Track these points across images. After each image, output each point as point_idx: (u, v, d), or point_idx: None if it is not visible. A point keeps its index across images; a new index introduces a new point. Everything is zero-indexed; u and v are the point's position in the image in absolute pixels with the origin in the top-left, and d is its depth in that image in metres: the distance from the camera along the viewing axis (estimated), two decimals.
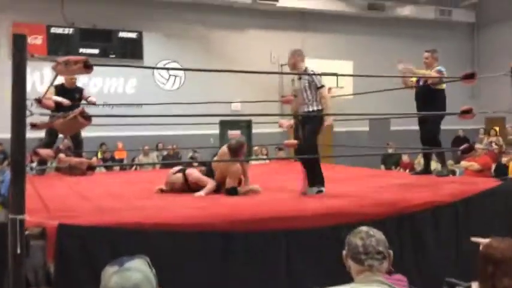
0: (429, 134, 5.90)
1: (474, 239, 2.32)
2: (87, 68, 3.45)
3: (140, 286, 1.25)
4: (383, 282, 1.93)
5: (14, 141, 3.11)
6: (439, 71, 5.78)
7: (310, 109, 5.01)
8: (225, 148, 5.53)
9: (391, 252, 2.02)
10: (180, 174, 5.38)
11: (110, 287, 1.23)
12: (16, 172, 3.11)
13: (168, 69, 12.59)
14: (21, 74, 3.14)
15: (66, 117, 3.43)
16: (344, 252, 2.06)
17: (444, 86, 5.83)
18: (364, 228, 2.06)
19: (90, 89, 11.66)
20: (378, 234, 2.02)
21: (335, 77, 12.48)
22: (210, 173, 5.38)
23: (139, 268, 1.28)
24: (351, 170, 7.31)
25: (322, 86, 5.01)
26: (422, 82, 5.95)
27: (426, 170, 6.18)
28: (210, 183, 5.24)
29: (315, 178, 5.00)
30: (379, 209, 4.22)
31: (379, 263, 1.97)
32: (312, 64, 12.11)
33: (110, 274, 1.25)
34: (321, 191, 4.91)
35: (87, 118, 3.41)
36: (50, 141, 6.53)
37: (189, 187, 5.32)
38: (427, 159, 6.30)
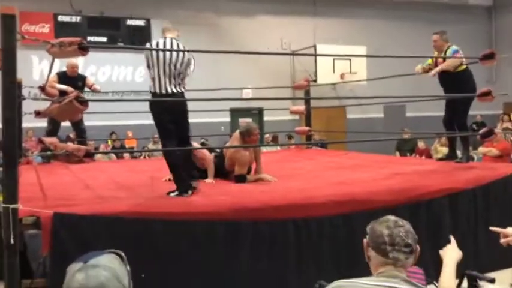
0: (457, 118, 5.58)
1: (493, 229, 2.09)
2: (82, 50, 3.29)
3: (107, 285, 1.07)
4: (402, 279, 1.70)
5: (5, 130, 2.97)
6: (455, 52, 5.46)
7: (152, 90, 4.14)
8: (237, 133, 5.37)
9: (418, 247, 1.79)
10: None
11: (73, 287, 1.06)
12: (8, 161, 2.98)
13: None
14: (11, 57, 2.97)
15: (62, 102, 3.27)
16: (365, 240, 1.84)
17: (464, 66, 5.52)
18: (392, 217, 1.83)
19: (98, 77, 11.56)
20: (408, 225, 1.79)
21: (348, 63, 12.18)
22: (220, 160, 5.23)
23: (107, 265, 1.11)
24: (365, 157, 7.08)
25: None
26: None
27: (452, 156, 5.89)
28: (209, 161, 5.09)
29: (176, 181, 4.17)
30: (392, 196, 4.02)
31: (406, 257, 1.73)
32: (324, 49, 11.93)
33: (73, 272, 1.08)
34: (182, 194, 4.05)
35: (83, 103, 3.25)
36: (52, 129, 6.42)
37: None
38: (452, 144, 6.01)
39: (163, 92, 4.07)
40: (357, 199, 3.94)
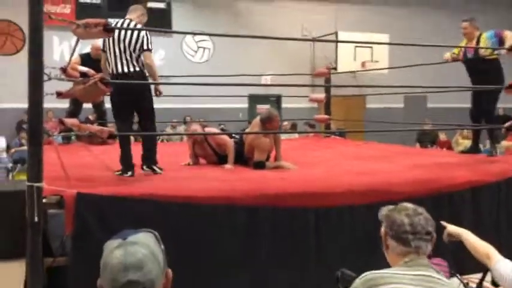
0: (484, 109, 5.44)
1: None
2: (108, 31, 3.29)
3: (145, 262, 1.09)
4: (430, 267, 1.69)
5: (31, 109, 3.00)
6: (495, 33, 5.29)
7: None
8: (257, 119, 5.35)
9: (435, 234, 1.79)
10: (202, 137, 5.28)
11: (111, 263, 1.07)
12: (33, 140, 3.01)
13: (194, 33, 12.33)
14: (38, 38, 2.98)
15: (86, 84, 3.29)
16: (383, 229, 1.81)
17: (496, 55, 5.35)
18: (408, 204, 1.81)
19: None
20: (425, 212, 1.78)
21: (370, 51, 12.00)
22: (240, 146, 5.22)
23: (144, 242, 1.13)
24: (384, 147, 7.00)
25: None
26: (471, 54, 5.50)
27: (475, 149, 5.80)
28: (230, 146, 5.10)
29: (123, 162, 4.22)
30: (414, 187, 3.98)
31: (426, 245, 1.73)
32: (345, 37, 11.76)
33: (112, 248, 1.09)
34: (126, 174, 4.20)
35: (107, 84, 3.26)
36: (74, 110, 6.45)
37: (213, 149, 5.23)
38: (477, 137, 5.87)
39: (115, 71, 4.13)
40: (377, 189, 3.90)
